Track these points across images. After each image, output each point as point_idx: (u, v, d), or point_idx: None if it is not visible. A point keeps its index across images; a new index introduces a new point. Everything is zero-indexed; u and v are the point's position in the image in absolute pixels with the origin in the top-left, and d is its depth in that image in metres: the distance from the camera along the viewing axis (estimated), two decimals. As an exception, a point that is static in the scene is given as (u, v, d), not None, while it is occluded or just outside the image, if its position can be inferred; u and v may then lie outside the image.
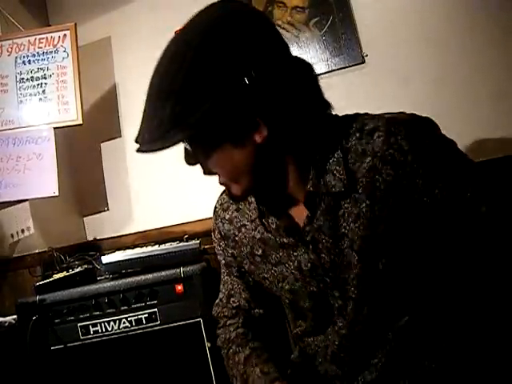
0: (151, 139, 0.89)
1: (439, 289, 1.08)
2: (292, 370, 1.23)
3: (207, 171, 0.99)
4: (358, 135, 0.97)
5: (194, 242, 2.01)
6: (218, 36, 0.86)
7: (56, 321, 1.91)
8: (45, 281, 2.01)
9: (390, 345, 1.03)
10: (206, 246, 2.12)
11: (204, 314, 1.83)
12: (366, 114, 1.02)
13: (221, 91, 0.84)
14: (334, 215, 0.98)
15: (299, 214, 1.03)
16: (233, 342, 1.17)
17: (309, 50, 2.27)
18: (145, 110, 0.91)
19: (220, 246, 1.23)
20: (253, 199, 1.09)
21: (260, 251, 1.11)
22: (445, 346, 1.04)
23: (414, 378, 1.02)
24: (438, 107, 2.05)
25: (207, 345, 1.83)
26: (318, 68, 2.25)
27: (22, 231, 2.39)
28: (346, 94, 2.18)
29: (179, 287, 1.86)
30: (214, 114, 0.85)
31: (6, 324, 2.03)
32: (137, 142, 0.93)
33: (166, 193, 2.57)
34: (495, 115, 1.98)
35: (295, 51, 2.28)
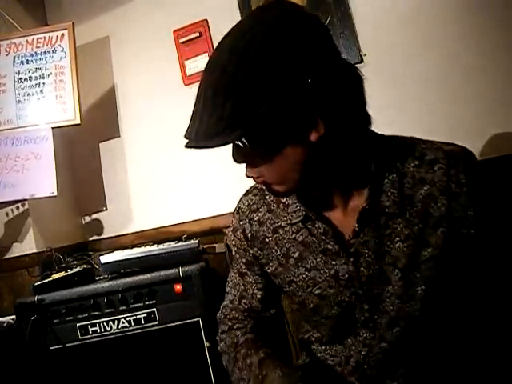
0: (208, 135, 0.88)
1: (465, 317, 1.12)
2: (302, 372, 1.23)
3: (253, 171, 0.98)
4: (416, 163, 1.02)
5: (193, 242, 2.01)
6: (281, 34, 0.86)
7: (55, 321, 1.91)
8: (43, 281, 2.02)
9: (409, 371, 1.06)
10: (204, 246, 2.12)
11: (203, 314, 1.83)
12: (423, 141, 1.06)
13: (283, 90, 0.85)
14: (381, 233, 1.02)
15: (345, 224, 1.05)
16: (242, 346, 1.16)
17: (307, 50, 2.27)
18: (198, 105, 0.90)
19: (242, 245, 1.22)
20: (290, 202, 1.11)
21: (297, 254, 1.11)
22: (465, 360, 1.08)
23: None
24: (437, 107, 2.05)
25: (206, 344, 1.83)
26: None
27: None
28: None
29: (178, 287, 1.87)
30: (275, 112, 0.86)
31: (5, 324, 2.03)
32: (187, 137, 0.92)
33: (164, 193, 2.57)
34: (494, 116, 1.97)
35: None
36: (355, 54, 2.18)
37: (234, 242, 1.25)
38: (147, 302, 1.87)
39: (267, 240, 1.15)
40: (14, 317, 1.99)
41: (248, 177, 1.00)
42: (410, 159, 1.02)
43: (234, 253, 1.26)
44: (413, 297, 1.02)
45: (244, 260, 1.22)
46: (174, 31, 2.48)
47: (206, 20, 2.41)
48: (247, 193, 1.23)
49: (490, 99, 1.98)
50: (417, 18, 2.09)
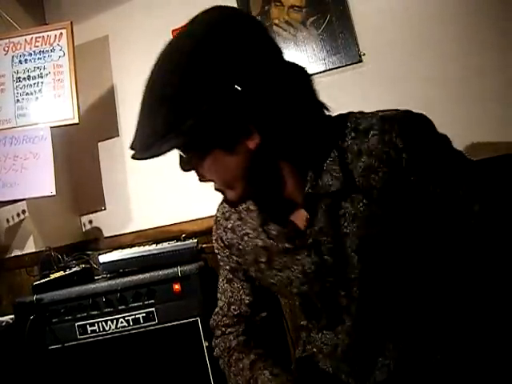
0: (145, 146, 0.90)
1: (441, 286, 1.08)
2: (297, 366, 1.23)
3: (202, 178, 0.99)
4: (353, 135, 0.97)
5: (192, 241, 2.01)
6: (210, 43, 0.86)
7: (53, 320, 1.91)
8: (42, 280, 2.01)
9: (398, 344, 1.04)
10: (203, 245, 2.12)
11: (202, 313, 1.83)
12: (360, 112, 1.02)
13: (213, 98, 0.84)
14: (335, 216, 0.98)
15: (300, 217, 1.03)
16: (234, 350, 1.17)
17: (306, 49, 2.27)
18: (139, 117, 0.91)
19: (224, 253, 1.22)
20: (255, 207, 1.09)
21: (264, 258, 1.10)
22: (453, 343, 1.04)
23: (427, 378, 1.02)
24: (436, 106, 2.05)
25: (205, 344, 1.83)
26: (316, 67, 2.25)
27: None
28: (344, 93, 2.18)
29: (177, 286, 1.86)
30: (206, 120, 0.85)
31: (4, 323, 2.02)
32: (132, 148, 0.93)
33: (163, 192, 2.57)
34: (493, 116, 1.98)
35: (292, 50, 2.28)
36: (354, 53, 2.18)
37: (217, 250, 1.25)
38: (146, 302, 1.87)
39: (240, 247, 1.15)
40: (12, 316, 1.99)
41: (201, 181, 1.00)
42: (347, 132, 0.97)
43: (219, 260, 1.26)
44: (374, 278, 1.00)
45: (228, 267, 1.22)
46: (173, 30, 2.48)
47: (205, 19, 2.40)
48: (222, 201, 1.21)
49: (488, 99, 1.99)
50: (415, 17, 2.09)
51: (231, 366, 1.15)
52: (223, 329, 1.24)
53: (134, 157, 0.93)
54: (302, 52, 2.27)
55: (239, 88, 0.84)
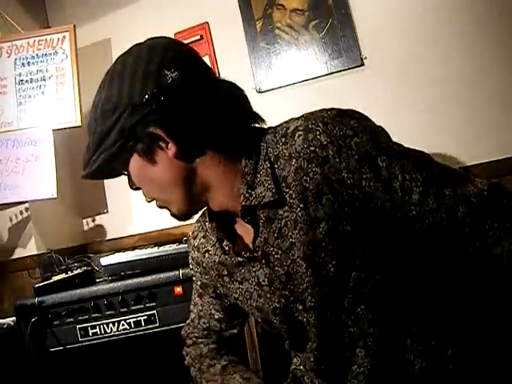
0: (84, 166, 0.97)
1: (401, 286, 1.02)
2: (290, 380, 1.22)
3: (146, 197, 1.04)
4: (283, 140, 0.95)
5: (193, 244, 2.01)
6: (126, 61, 0.95)
7: (55, 323, 1.91)
8: (44, 283, 2.02)
9: (368, 351, 1.00)
10: (205, 248, 2.12)
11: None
12: (291, 119, 1.00)
13: (125, 111, 0.89)
14: (277, 226, 0.96)
15: (246, 231, 1.01)
16: (206, 357, 1.18)
17: (308, 53, 2.27)
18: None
19: (197, 269, 1.21)
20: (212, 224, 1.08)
21: (225, 271, 1.09)
22: (424, 346, 1.01)
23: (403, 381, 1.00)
24: (437, 110, 2.05)
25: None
26: (317, 70, 2.26)
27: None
28: (345, 96, 2.18)
29: (178, 289, 1.87)
30: (122, 135, 0.90)
31: (5, 326, 2.03)
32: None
33: (165, 195, 2.57)
34: (496, 117, 1.98)
35: (294, 53, 2.29)
36: (356, 57, 2.18)
37: (191, 266, 1.24)
38: (147, 304, 1.87)
39: (204, 265, 1.15)
40: (14, 318, 2.00)
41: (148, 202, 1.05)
42: (278, 139, 0.95)
43: (192, 275, 1.26)
44: (327, 283, 0.94)
45: (199, 282, 1.22)
46: (175, 34, 2.49)
47: (207, 23, 2.41)
48: (196, 220, 1.22)
49: (491, 101, 1.98)
50: (417, 20, 2.09)
51: (203, 372, 1.16)
52: (194, 339, 1.25)
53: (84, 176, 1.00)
54: (303, 55, 2.28)
55: (148, 100, 0.88)
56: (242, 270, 1.04)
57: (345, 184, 0.90)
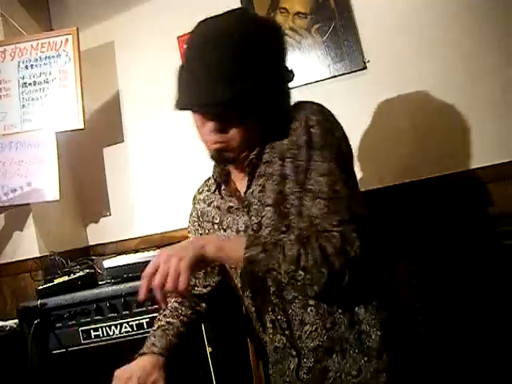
0: (208, 95, 1.10)
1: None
2: None
3: (222, 137, 1.17)
4: (294, 122, 1.21)
5: (196, 247, 2.00)
6: (256, 34, 1.14)
7: (57, 325, 1.91)
8: (46, 285, 2.02)
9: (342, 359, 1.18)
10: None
11: (205, 319, 1.83)
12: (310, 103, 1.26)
13: (261, 76, 1.11)
14: (263, 182, 1.21)
15: (242, 181, 1.27)
16: (164, 310, 1.40)
17: (311, 56, 2.27)
18: (198, 74, 1.11)
19: (193, 226, 1.46)
20: (217, 170, 1.34)
21: (217, 219, 1.32)
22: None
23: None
24: (440, 113, 2.05)
25: (208, 349, 1.83)
26: (320, 74, 2.26)
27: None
28: (348, 99, 2.18)
29: (180, 292, 1.86)
30: (258, 90, 1.11)
31: (8, 328, 2.03)
32: (186, 104, 1.16)
33: (167, 198, 2.57)
34: (497, 122, 1.97)
35: (297, 57, 2.29)
36: (359, 60, 2.18)
37: (188, 224, 1.49)
38: (150, 307, 1.87)
39: (208, 213, 1.37)
40: (16, 321, 2.00)
41: (212, 144, 1.19)
42: (294, 121, 1.21)
43: (187, 233, 1.50)
44: (288, 227, 1.15)
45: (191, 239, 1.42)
46: (178, 37, 2.49)
47: (210, 26, 2.41)
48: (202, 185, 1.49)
49: (494, 103, 1.97)
50: (420, 24, 2.09)
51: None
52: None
53: (196, 108, 1.16)
54: (306, 59, 2.28)
55: (280, 71, 1.19)
56: (229, 218, 1.28)
57: (303, 157, 1.18)
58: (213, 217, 1.35)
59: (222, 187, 1.32)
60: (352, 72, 2.21)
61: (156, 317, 1.44)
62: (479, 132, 1.99)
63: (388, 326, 1.18)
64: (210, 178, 1.42)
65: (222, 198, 1.32)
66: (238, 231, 1.25)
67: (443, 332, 1.93)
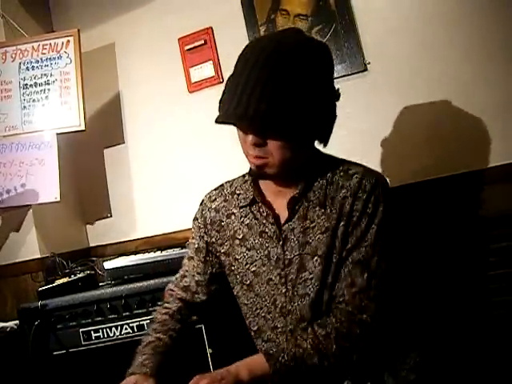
0: (257, 113, 1.10)
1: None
2: None
3: (263, 151, 1.18)
4: (342, 174, 1.26)
5: (196, 248, 2.01)
6: (307, 56, 1.17)
7: (58, 326, 1.91)
8: (47, 286, 2.02)
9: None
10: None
11: (206, 321, 1.83)
12: (348, 161, 1.31)
13: (305, 95, 1.13)
14: (306, 225, 1.25)
15: (281, 212, 1.29)
16: (153, 323, 1.41)
17: (311, 58, 2.27)
18: (246, 90, 1.11)
19: (198, 232, 1.45)
20: (242, 191, 1.37)
21: (241, 235, 1.34)
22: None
23: None
24: (443, 115, 2.05)
25: (209, 351, 1.83)
26: (321, 75, 2.26)
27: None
28: (349, 101, 2.17)
29: (181, 293, 1.86)
30: (294, 109, 1.12)
31: (8, 329, 2.03)
32: (226, 118, 1.16)
33: (168, 199, 2.57)
34: (500, 124, 1.97)
35: (298, 58, 2.29)
36: (359, 62, 2.18)
37: (193, 229, 1.48)
38: (150, 308, 1.87)
39: (222, 224, 1.38)
40: (17, 322, 2.00)
41: (252, 158, 1.21)
42: (337, 171, 1.27)
43: (189, 240, 1.49)
44: (327, 281, 1.22)
45: (195, 246, 1.45)
46: (179, 39, 2.50)
47: (211, 28, 2.41)
48: (210, 190, 1.48)
49: (496, 105, 1.97)
50: (421, 25, 2.09)
51: (142, 341, 1.40)
52: (165, 299, 1.47)
53: (246, 124, 1.17)
54: (307, 60, 2.28)
55: (326, 96, 1.22)
56: (257, 240, 1.31)
57: (351, 220, 1.23)
58: (234, 231, 1.35)
59: (261, 209, 1.32)
60: (353, 74, 2.21)
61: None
62: (486, 131, 1.99)
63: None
64: (224, 187, 1.44)
65: (255, 217, 1.32)
66: (268, 257, 1.29)
67: (443, 332, 1.93)
